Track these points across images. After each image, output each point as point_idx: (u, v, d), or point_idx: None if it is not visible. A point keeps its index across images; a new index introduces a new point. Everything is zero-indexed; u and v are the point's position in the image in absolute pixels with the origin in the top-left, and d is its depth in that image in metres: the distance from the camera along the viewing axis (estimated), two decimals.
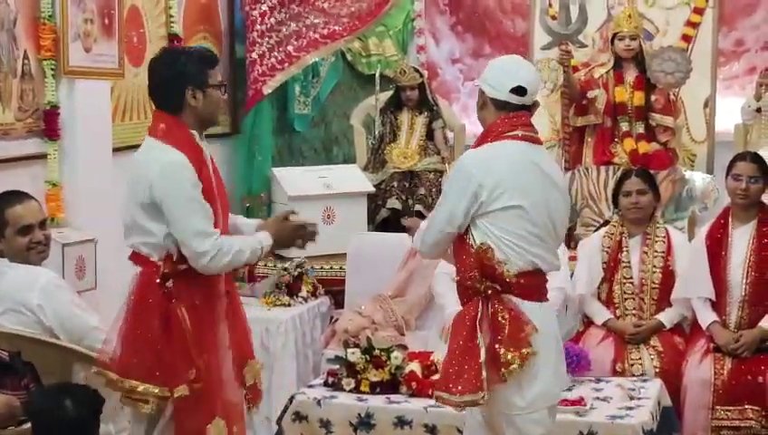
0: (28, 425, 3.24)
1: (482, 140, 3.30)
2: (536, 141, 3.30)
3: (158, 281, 3.28)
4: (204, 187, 3.31)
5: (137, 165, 3.37)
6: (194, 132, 3.37)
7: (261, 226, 3.58)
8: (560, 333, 3.40)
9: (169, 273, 3.29)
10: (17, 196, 3.86)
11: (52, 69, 4.60)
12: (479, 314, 3.14)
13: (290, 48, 6.62)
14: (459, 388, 3.11)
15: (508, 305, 3.14)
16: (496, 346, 3.10)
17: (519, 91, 3.22)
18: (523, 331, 3.11)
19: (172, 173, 3.26)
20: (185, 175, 3.26)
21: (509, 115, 3.24)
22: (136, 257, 3.37)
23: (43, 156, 4.63)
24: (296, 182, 6.00)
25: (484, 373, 3.08)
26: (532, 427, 3.19)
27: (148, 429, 3.39)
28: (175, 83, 3.34)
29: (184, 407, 3.32)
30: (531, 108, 3.30)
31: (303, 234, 3.58)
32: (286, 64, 6.60)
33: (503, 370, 3.09)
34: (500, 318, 3.12)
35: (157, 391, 3.27)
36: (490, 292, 3.14)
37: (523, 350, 3.10)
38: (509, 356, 3.08)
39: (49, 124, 4.63)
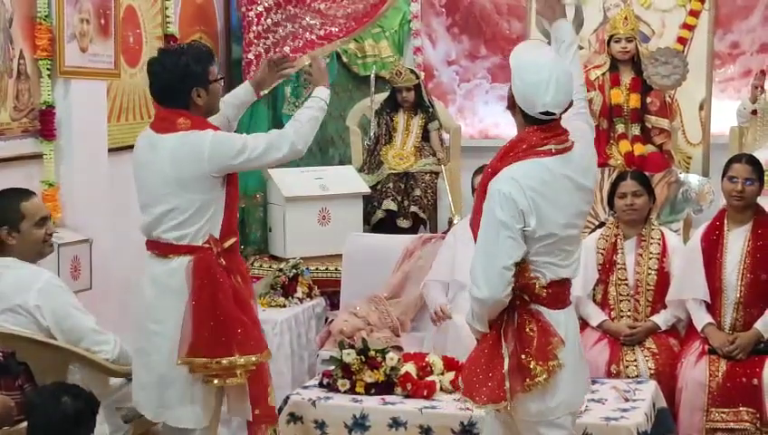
0: (23, 425, 3.24)
1: (512, 151, 3.13)
2: (568, 150, 3.13)
3: (215, 259, 3.46)
4: None
5: (180, 158, 3.47)
6: None
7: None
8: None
9: (220, 251, 3.49)
10: (26, 191, 3.91)
11: (47, 69, 4.60)
12: (504, 324, 3.12)
13: (286, 49, 6.62)
14: (483, 397, 3.11)
15: (536, 316, 3.11)
16: (523, 357, 3.07)
17: (548, 114, 3.09)
18: (550, 343, 3.08)
19: (221, 137, 3.51)
20: (228, 133, 3.59)
21: (542, 127, 3.10)
22: (179, 249, 3.49)
23: (38, 156, 4.62)
24: (292, 183, 6.00)
25: (507, 383, 3.07)
26: (552, 432, 3.15)
27: (216, 409, 3.60)
28: (180, 85, 3.51)
29: (254, 375, 3.53)
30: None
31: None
32: None
33: (528, 381, 3.06)
34: (528, 330, 3.09)
35: (254, 359, 3.48)
36: (518, 302, 3.11)
37: (550, 362, 3.07)
38: (537, 369, 3.06)
39: (45, 124, 4.63)
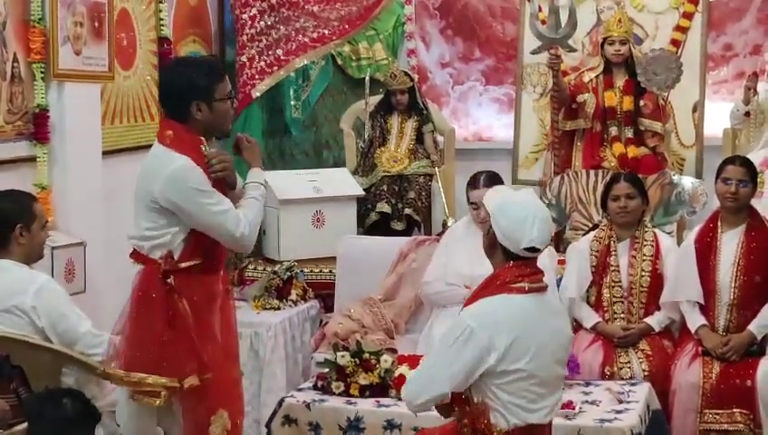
0: (18, 428, 3.24)
1: (486, 287, 3.14)
2: (541, 290, 3.14)
3: (160, 276, 3.38)
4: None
5: (144, 172, 3.47)
6: (202, 138, 3.48)
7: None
8: None
9: (170, 270, 3.39)
10: (29, 194, 3.94)
11: (41, 72, 4.60)
12: None
13: (279, 52, 6.63)
14: None
15: None
16: None
17: (532, 250, 3.10)
18: None
19: (180, 177, 3.36)
20: (193, 174, 3.36)
21: (518, 264, 3.10)
22: (137, 256, 3.49)
23: (32, 159, 4.63)
24: (286, 186, 5.99)
25: None
26: None
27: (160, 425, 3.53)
28: (181, 96, 3.45)
29: (190, 399, 3.44)
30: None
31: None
32: (276, 68, 6.61)
33: None
34: None
35: (165, 381, 3.38)
36: None
37: None
38: None
39: (38, 127, 4.63)
